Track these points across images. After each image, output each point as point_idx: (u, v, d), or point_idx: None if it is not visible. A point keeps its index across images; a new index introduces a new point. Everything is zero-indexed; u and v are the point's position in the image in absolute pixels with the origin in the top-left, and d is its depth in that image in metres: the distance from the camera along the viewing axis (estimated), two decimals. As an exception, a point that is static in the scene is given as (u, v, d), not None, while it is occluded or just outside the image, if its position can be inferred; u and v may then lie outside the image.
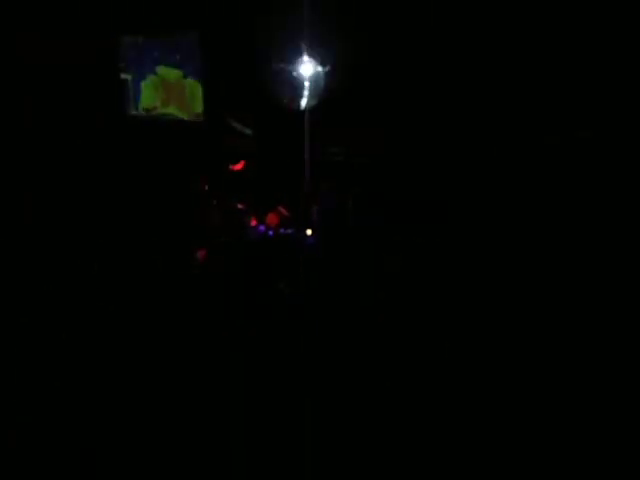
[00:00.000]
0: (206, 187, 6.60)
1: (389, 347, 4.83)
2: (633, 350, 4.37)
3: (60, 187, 6.40)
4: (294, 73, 5.63)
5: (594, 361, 4.39)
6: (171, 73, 6.59)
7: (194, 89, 6.56)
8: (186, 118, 6.67)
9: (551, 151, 5.30)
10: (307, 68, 5.64)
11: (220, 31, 6.20)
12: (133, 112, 6.79)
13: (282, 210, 6.43)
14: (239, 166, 6.65)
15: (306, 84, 5.66)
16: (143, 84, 6.73)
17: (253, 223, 6.50)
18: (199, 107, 6.57)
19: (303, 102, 5.75)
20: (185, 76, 6.56)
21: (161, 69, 6.61)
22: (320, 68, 5.65)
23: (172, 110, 6.70)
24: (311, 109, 5.77)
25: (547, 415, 4.14)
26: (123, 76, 6.69)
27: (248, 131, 6.56)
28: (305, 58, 5.62)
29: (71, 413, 4.31)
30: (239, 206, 6.53)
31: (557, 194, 5.27)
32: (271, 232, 6.39)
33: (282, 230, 6.41)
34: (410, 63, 5.59)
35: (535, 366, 4.49)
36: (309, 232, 6.24)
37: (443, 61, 5.39)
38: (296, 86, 5.63)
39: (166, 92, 6.66)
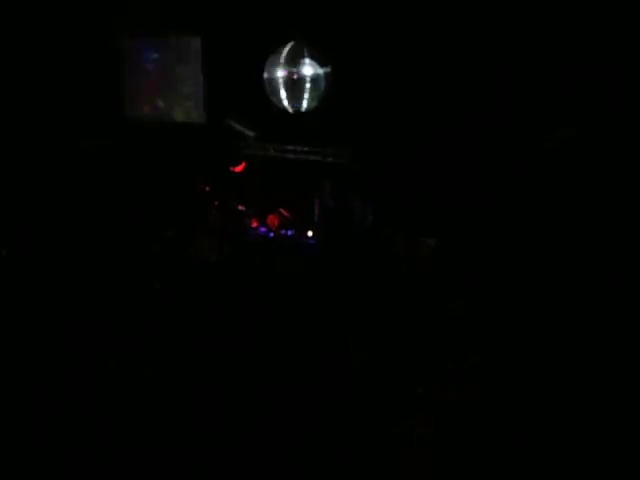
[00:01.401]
0: (207, 188, 6.62)
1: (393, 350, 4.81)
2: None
3: (62, 187, 6.43)
4: (295, 75, 5.64)
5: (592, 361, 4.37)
6: (160, 71, 6.66)
7: (184, 86, 6.62)
8: (180, 119, 6.71)
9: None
10: (308, 70, 5.64)
11: (222, 34, 6.22)
12: (130, 113, 6.87)
13: (283, 211, 6.44)
14: (240, 168, 6.66)
15: (307, 86, 5.67)
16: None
17: (254, 224, 6.51)
18: (192, 106, 6.66)
19: (304, 104, 5.76)
20: (176, 72, 6.60)
21: (150, 68, 6.68)
22: (321, 70, 5.66)
23: (163, 109, 6.77)
24: (312, 111, 5.80)
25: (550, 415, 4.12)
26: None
27: (250, 133, 6.57)
28: (307, 60, 5.63)
29: (71, 412, 4.31)
30: (240, 207, 6.54)
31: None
32: (272, 233, 6.39)
33: (283, 231, 6.42)
34: (411, 66, 5.59)
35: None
36: (310, 233, 6.25)
37: (441, 63, 5.39)
38: (297, 88, 5.64)
39: (155, 91, 6.74)
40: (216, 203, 6.57)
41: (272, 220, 6.38)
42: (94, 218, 6.22)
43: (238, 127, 6.51)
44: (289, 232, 6.37)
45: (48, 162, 6.51)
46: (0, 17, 6.25)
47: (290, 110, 5.78)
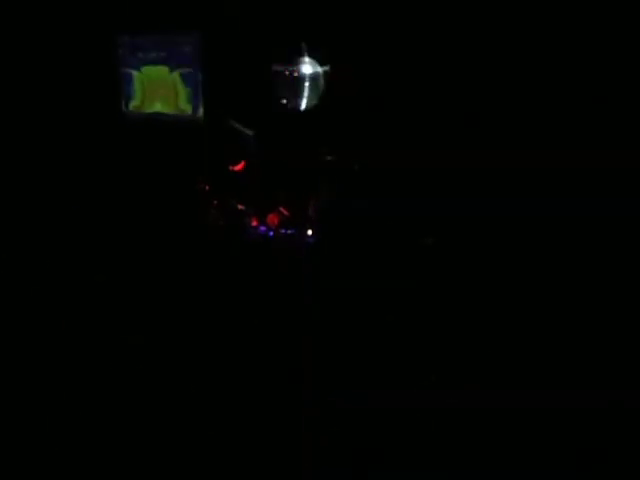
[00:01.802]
0: (206, 187, 6.60)
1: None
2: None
3: (58, 186, 6.43)
4: (294, 73, 5.61)
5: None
6: (155, 70, 6.64)
7: (178, 84, 6.62)
8: (171, 113, 6.71)
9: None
10: (307, 68, 5.62)
11: (220, 29, 6.19)
12: (127, 111, 6.90)
13: (283, 210, 6.42)
14: (239, 166, 6.64)
15: (306, 84, 5.65)
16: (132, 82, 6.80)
17: (254, 224, 6.49)
18: (183, 102, 6.64)
19: (303, 102, 5.74)
20: (171, 71, 6.59)
21: (145, 67, 6.65)
22: (320, 68, 5.64)
23: (158, 107, 6.77)
24: (311, 110, 5.78)
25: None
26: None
27: (249, 131, 6.55)
28: (305, 58, 5.60)
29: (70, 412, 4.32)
30: (239, 207, 6.52)
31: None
32: (271, 233, 6.38)
33: (283, 231, 6.40)
34: (412, 64, 5.57)
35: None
36: (310, 232, 6.23)
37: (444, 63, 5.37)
38: (296, 86, 5.62)
39: (150, 89, 6.73)
40: (215, 202, 6.55)
41: (272, 219, 6.36)
42: (93, 218, 6.22)
43: (237, 126, 6.49)
44: (289, 231, 6.35)
45: (47, 162, 6.50)
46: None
47: (289, 109, 5.77)
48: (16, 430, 4.12)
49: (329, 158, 6.15)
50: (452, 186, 5.54)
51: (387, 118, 5.71)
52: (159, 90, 6.69)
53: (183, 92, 6.59)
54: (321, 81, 5.64)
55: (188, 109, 6.61)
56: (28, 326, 4.94)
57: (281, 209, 6.44)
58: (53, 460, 3.99)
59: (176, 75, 6.58)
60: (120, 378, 4.61)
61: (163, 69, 6.59)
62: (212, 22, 6.15)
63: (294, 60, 5.57)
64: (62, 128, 6.59)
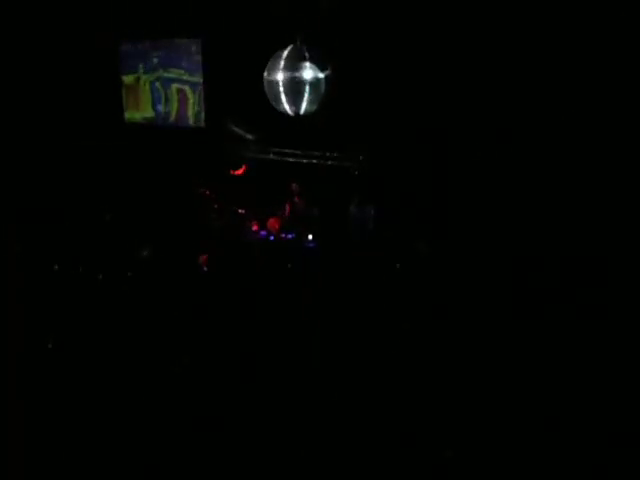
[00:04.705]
0: (207, 192, 6.62)
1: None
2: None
3: (61, 189, 6.46)
4: (295, 79, 5.64)
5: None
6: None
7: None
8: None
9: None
10: (308, 73, 5.65)
11: (222, 38, 6.25)
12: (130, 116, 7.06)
13: (283, 215, 6.44)
14: (240, 171, 6.67)
15: (307, 89, 5.67)
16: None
17: (254, 228, 6.50)
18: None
19: (304, 107, 5.76)
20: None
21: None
22: (321, 74, 5.66)
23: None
24: (312, 114, 5.80)
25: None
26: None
27: (249, 136, 6.58)
28: (306, 63, 5.63)
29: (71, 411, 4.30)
30: (240, 211, 6.54)
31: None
32: (272, 237, 6.38)
33: (283, 235, 6.41)
34: (409, 71, 5.61)
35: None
36: (310, 237, 6.25)
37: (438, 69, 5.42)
38: (297, 91, 5.65)
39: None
40: (216, 206, 6.58)
41: (272, 224, 6.37)
42: (94, 222, 6.24)
43: (238, 130, 6.53)
44: (289, 235, 6.36)
45: (49, 166, 6.54)
46: (7, 26, 6.31)
47: (290, 113, 5.79)
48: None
49: (329, 162, 6.18)
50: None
51: (386, 122, 5.75)
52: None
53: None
54: (322, 86, 5.67)
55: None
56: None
57: (281, 214, 6.45)
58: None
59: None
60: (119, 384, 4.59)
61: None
62: (213, 27, 6.21)
63: (295, 65, 5.60)
64: (67, 135, 6.66)
